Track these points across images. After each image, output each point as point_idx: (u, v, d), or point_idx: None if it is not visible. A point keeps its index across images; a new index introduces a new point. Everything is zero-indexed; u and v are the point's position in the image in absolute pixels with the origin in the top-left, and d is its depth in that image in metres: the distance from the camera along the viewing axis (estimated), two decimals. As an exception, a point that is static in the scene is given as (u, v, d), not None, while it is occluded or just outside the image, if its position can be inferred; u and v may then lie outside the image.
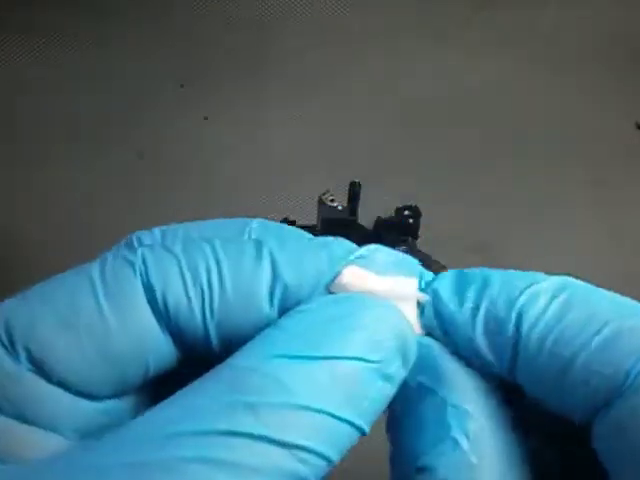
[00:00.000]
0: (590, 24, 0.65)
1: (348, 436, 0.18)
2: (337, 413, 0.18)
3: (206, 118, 0.59)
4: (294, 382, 0.18)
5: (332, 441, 0.18)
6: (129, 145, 0.57)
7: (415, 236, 0.50)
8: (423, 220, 0.50)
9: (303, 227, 0.54)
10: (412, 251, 0.49)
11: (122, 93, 0.60)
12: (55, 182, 0.55)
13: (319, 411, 0.18)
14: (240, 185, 0.55)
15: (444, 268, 0.48)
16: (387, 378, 0.19)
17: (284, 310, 0.20)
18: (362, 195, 0.46)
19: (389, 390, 0.19)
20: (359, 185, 0.45)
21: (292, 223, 0.52)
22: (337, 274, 0.20)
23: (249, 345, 0.18)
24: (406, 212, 0.50)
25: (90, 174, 0.56)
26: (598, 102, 0.61)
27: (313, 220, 0.49)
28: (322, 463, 0.18)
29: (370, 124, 0.59)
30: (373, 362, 0.18)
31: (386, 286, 0.21)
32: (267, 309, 0.19)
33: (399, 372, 0.19)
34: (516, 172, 0.57)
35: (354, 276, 0.21)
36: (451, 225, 0.54)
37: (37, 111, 0.59)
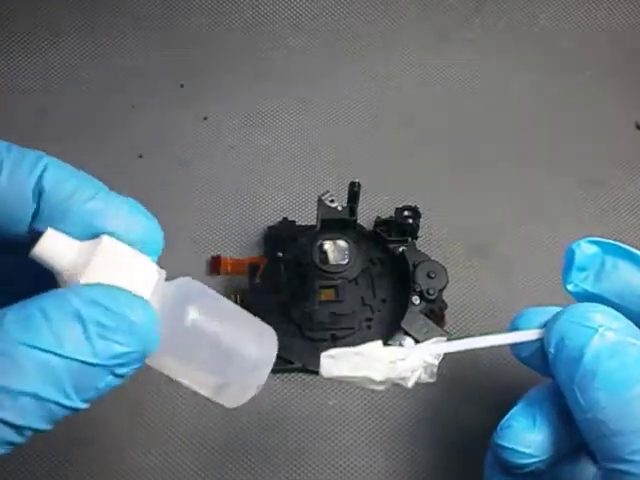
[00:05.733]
0: (590, 24, 0.65)
1: (66, 413, 0.23)
2: (64, 402, 0.22)
3: (206, 118, 0.59)
4: (33, 371, 0.22)
5: (52, 419, 0.23)
6: (129, 145, 0.57)
7: (415, 236, 0.50)
8: (423, 220, 0.50)
9: (303, 227, 0.55)
10: (412, 251, 0.49)
11: (121, 93, 0.60)
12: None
13: (48, 400, 0.22)
14: (240, 185, 0.55)
15: (444, 268, 0.48)
16: (118, 376, 0.24)
17: (43, 212, 0.25)
18: (362, 195, 0.46)
19: (117, 382, 0.24)
20: (359, 185, 0.45)
21: (292, 223, 0.52)
22: (40, 235, 0.25)
23: (13, 324, 0.22)
24: (406, 212, 0.50)
25: (89, 173, 0.55)
26: (598, 102, 0.61)
27: (313, 220, 0.49)
28: (32, 432, 0.22)
29: (370, 124, 0.59)
30: (111, 366, 0.23)
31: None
32: (31, 201, 0.25)
33: (130, 372, 0.24)
34: (516, 172, 0.57)
35: (53, 244, 0.25)
36: (451, 225, 0.54)
37: (36, 111, 0.59)
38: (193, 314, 0.26)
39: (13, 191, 0.25)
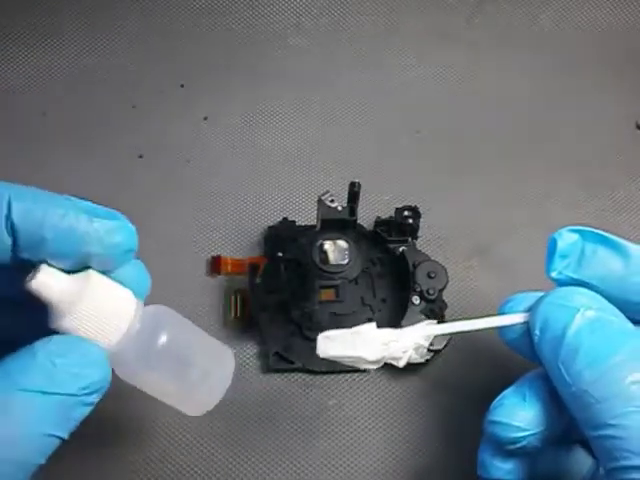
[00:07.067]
0: (590, 24, 0.65)
1: (53, 445, 0.28)
2: (51, 432, 0.28)
3: (206, 118, 0.59)
4: (21, 411, 0.27)
5: (42, 451, 0.28)
6: (129, 145, 0.57)
7: (415, 236, 0.50)
8: (423, 220, 0.50)
9: (303, 227, 0.55)
10: (412, 251, 0.49)
11: (122, 93, 0.60)
12: (54, 182, 0.55)
13: (42, 434, 0.27)
14: (240, 185, 0.55)
15: (444, 268, 0.48)
16: (87, 405, 0.29)
17: (20, 242, 0.28)
18: (362, 195, 0.46)
19: (88, 410, 0.29)
20: (359, 185, 0.45)
21: (292, 223, 0.52)
22: (35, 271, 0.29)
23: (12, 372, 0.27)
24: (406, 212, 0.50)
25: (89, 174, 0.56)
26: (598, 102, 0.61)
27: (313, 220, 0.49)
28: (33, 468, 0.28)
29: (370, 124, 0.60)
30: (80, 396, 0.28)
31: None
32: (6, 235, 0.28)
33: (96, 400, 0.29)
34: (516, 172, 0.57)
35: (48, 280, 0.29)
36: (451, 225, 0.54)
37: (37, 111, 0.59)
38: (164, 337, 0.32)
39: None
